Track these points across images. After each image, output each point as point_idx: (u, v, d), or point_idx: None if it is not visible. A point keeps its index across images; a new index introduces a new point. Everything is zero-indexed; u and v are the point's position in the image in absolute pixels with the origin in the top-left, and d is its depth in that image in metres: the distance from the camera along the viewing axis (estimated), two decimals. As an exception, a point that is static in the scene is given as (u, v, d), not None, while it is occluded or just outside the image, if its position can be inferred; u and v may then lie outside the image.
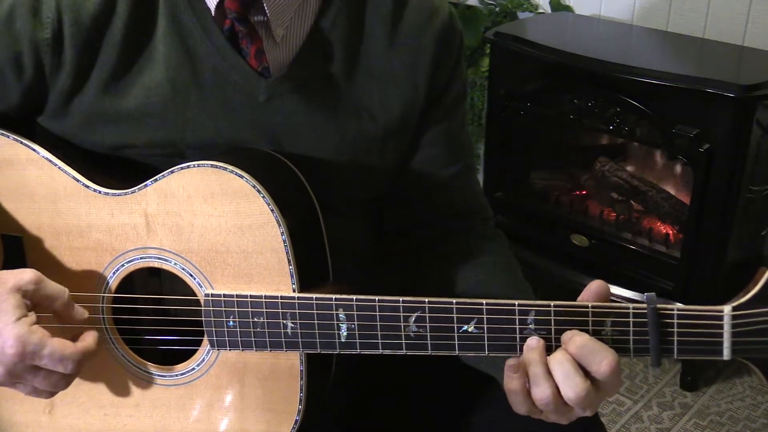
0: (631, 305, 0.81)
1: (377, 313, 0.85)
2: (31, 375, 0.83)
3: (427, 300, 0.84)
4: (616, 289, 2.08)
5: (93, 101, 0.92)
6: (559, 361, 0.81)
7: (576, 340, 0.81)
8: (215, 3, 0.91)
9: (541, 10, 2.46)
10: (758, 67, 2.01)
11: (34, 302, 0.84)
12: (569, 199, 2.32)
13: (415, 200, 1.06)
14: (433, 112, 1.02)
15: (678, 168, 2.18)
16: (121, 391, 0.96)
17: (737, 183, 1.90)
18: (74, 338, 0.87)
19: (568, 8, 2.40)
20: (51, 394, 0.87)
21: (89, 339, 0.88)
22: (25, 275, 0.84)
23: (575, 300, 0.84)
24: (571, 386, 0.80)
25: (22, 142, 0.92)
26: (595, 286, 0.84)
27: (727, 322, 0.80)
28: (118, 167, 0.95)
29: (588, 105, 2.05)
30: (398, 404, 1.08)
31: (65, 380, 0.85)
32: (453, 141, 1.05)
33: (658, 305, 0.80)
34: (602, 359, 0.80)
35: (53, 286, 0.86)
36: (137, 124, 0.93)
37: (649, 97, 1.94)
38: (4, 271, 0.84)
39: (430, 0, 1.01)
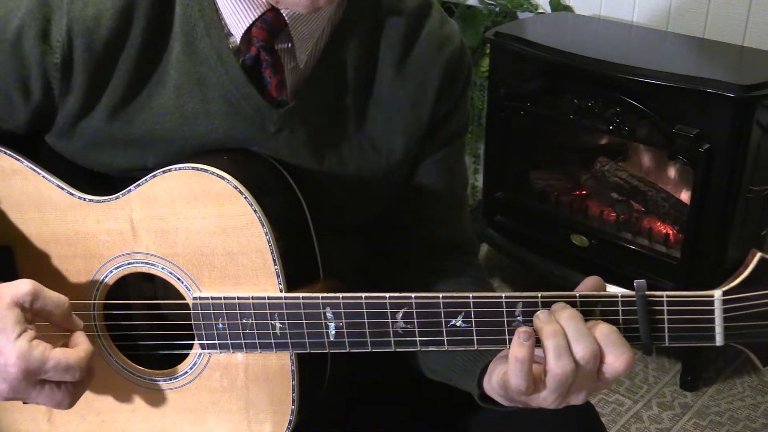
0: (619, 293, 0.80)
1: (364, 311, 0.84)
2: (37, 390, 0.81)
3: (413, 295, 0.83)
4: (616, 289, 2.08)
5: (101, 125, 0.91)
6: (570, 316, 0.79)
7: (602, 328, 0.79)
8: (242, 31, 0.89)
9: (541, 10, 2.46)
10: (758, 67, 2.01)
11: (32, 314, 0.82)
12: (569, 199, 2.32)
13: (403, 228, 1.04)
14: (429, 141, 1.01)
15: (678, 168, 2.18)
16: (117, 396, 0.96)
17: (737, 183, 1.89)
18: (64, 344, 0.84)
19: (568, 8, 2.40)
20: (71, 402, 0.83)
21: (82, 339, 0.85)
22: (22, 287, 0.81)
23: None
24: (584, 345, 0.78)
25: (5, 152, 0.92)
26: (590, 282, 0.82)
27: (718, 307, 0.79)
28: (103, 175, 0.94)
29: (588, 105, 2.05)
30: (396, 404, 1.08)
31: (76, 388, 0.83)
32: (447, 173, 1.03)
33: (647, 292, 0.79)
34: (622, 353, 0.78)
35: (52, 297, 0.83)
36: (145, 149, 0.92)
37: (649, 97, 1.94)
38: (0, 284, 0.81)
39: (442, 30, 0.99)
